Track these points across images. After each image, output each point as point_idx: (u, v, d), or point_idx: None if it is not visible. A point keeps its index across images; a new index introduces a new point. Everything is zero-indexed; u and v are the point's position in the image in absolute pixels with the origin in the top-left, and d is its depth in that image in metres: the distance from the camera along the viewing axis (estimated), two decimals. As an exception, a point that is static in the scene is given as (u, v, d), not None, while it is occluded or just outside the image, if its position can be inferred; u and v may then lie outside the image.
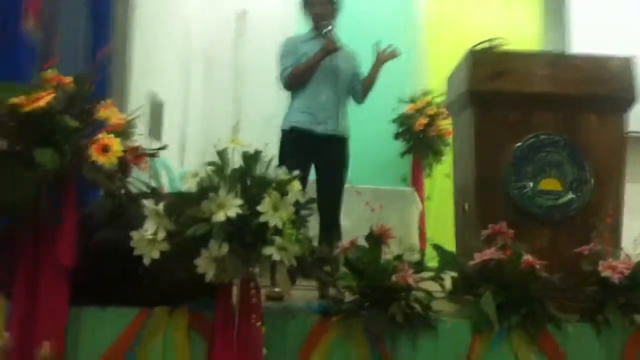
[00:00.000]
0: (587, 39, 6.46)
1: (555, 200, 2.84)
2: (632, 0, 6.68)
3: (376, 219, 2.57)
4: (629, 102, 2.94)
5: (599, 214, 2.80)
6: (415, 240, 5.20)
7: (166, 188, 3.75)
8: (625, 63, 2.96)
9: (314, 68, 3.46)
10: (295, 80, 3.50)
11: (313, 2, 3.55)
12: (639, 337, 2.45)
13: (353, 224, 4.75)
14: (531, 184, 2.84)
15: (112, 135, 2.15)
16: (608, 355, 2.44)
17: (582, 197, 2.84)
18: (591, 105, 2.91)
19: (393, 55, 3.65)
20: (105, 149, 2.12)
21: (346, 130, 3.58)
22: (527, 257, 2.41)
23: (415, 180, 6.21)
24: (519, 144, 2.86)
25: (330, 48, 3.42)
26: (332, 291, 2.89)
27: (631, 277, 2.43)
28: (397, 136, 6.25)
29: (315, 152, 3.36)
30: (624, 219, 2.91)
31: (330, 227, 3.29)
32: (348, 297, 2.43)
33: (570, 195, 2.84)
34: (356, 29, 5.90)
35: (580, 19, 6.70)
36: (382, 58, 3.63)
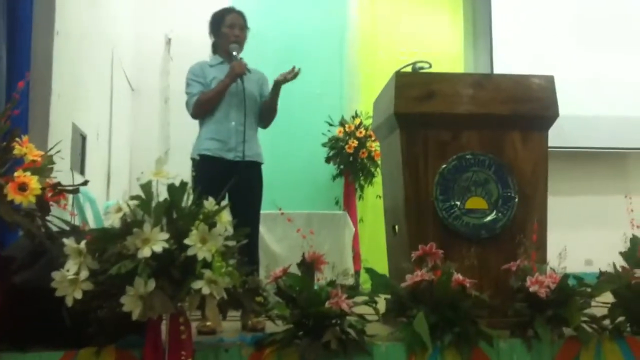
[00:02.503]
0: (509, 59, 6.70)
1: (481, 218, 2.89)
2: (552, 21, 6.96)
3: (309, 244, 2.55)
4: (550, 119, 3.03)
5: (524, 229, 2.85)
6: (349, 263, 5.22)
7: (91, 223, 3.67)
8: (546, 82, 3.04)
9: (222, 93, 3.37)
10: (203, 107, 3.41)
11: (234, 25, 3.50)
12: (568, 350, 2.49)
13: (286, 251, 4.76)
14: (458, 204, 2.88)
15: (29, 173, 2.07)
16: (540, 369, 2.48)
17: (508, 214, 2.90)
18: (515, 123, 2.98)
19: (294, 74, 3.45)
20: (22, 188, 2.05)
21: (259, 155, 3.51)
22: (457, 277, 2.44)
23: (348, 203, 6.26)
24: (444, 164, 2.90)
25: (239, 71, 3.34)
26: (252, 321, 2.86)
27: (557, 290, 2.48)
28: (328, 159, 6.29)
29: (227, 179, 3.08)
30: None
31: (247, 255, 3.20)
32: (282, 326, 2.39)
33: (495, 213, 2.90)
34: (288, 53, 5.96)
35: (503, 40, 6.93)
36: (280, 79, 3.46)
